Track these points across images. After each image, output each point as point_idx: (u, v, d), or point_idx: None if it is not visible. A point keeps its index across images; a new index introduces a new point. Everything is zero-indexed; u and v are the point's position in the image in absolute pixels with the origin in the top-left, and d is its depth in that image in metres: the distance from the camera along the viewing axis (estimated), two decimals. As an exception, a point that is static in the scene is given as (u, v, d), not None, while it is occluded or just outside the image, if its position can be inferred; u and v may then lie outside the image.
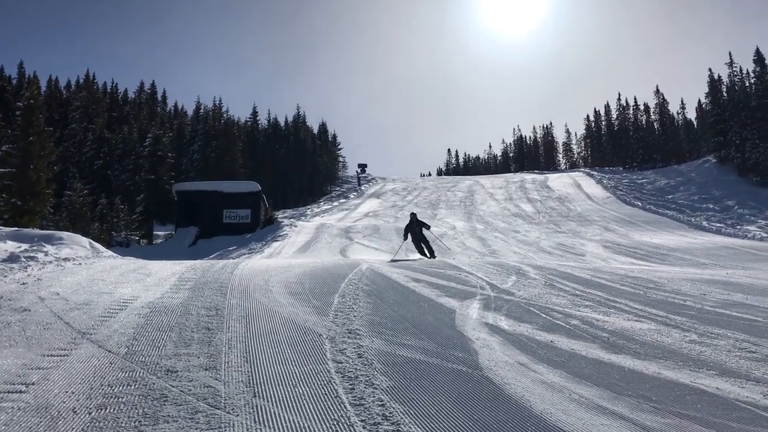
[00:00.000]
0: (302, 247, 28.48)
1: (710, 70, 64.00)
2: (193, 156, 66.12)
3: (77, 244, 14.23)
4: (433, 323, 7.16)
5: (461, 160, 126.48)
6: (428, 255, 16.88)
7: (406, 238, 17.39)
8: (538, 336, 6.62)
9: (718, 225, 34.96)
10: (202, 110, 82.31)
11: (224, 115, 78.69)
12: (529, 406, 4.40)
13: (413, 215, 17.94)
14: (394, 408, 4.29)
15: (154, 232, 44.22)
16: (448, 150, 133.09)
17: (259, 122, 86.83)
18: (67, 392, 4.50)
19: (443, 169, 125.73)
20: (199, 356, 5.51)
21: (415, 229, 17.30)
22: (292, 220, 40.97)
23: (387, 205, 52.47)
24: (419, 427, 3.96)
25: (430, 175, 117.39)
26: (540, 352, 5.95)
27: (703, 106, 73.52)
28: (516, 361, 5.63)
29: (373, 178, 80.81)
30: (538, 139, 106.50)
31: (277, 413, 4.17)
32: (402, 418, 4.10)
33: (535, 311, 7.98)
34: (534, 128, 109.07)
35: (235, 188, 41.27)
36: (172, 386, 4.66)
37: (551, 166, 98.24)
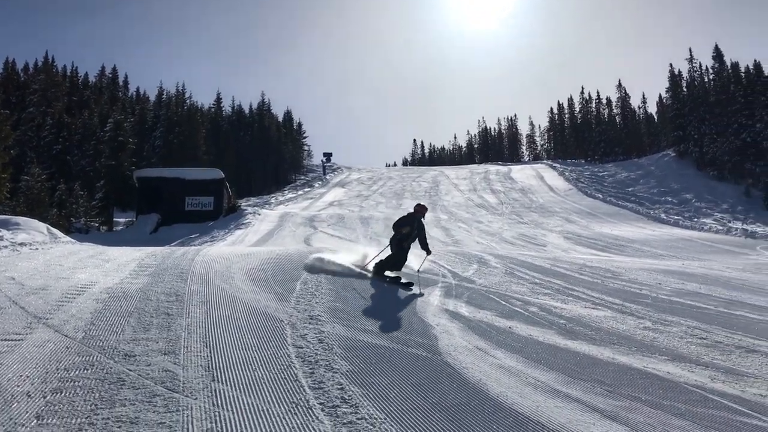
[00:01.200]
0: (266, 235, 28.31)
1: (671, 65, 65.29)
2: (155, 142, 64.96)
3: (34, 230, 13.93)
4: (395, 310, 7.22)
5: (427, 150, 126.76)
6: (391, 271, 9.66)
7: (396, 233, 9.86)
8: (497, 322, 6.73)
9: (675, 217, 35.86)
10: (164, 96, 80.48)
11: (187, 101, 77.36)
12: (486, 389, 4.48)
13: (422, 208, 10.33)
14: (353, 391, 4.33)
15: (115, 219, 43.31)
16: (414, 140, 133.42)
17: (223, 109, 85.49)
18: (21, 376, 4.42)
19: (409, 160, 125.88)
20: (158, 341, 5.46)
21: (414, 232, 9.95)
22: (255, 208, 40.66)
23: (352, 194, 52.44)
24: (378, 410, 4.01)
25: (395, 165, 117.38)
26: (498, 338, 6.05)
27: (664, 100, 74.77)
28: (475, 346, 5.71)
29: (339, 167, 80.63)
30: (503, 131, 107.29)
31: (235, 396, 4.17)
32: (361, 401, 4.14)
33: (495, 298, 8.10)
34: (498, 120, 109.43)
35: (197, 175, 40.68)
36: (130, 370, 4.62)
37: (515, 157, 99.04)
